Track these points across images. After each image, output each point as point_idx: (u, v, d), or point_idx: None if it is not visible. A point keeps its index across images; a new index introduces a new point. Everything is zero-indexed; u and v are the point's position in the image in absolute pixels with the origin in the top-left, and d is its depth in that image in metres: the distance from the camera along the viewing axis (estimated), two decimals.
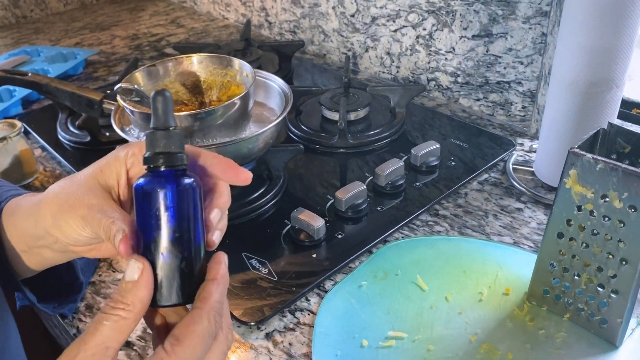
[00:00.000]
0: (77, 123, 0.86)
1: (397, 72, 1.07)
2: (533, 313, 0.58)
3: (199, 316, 0.37)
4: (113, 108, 0.75)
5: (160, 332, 0.41)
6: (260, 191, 0.76)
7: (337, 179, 0.80)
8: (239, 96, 0.67)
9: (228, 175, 0.41)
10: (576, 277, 0.55)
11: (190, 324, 0.37)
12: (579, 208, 0.52)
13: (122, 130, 0.68)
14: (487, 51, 0.90)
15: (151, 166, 0.38)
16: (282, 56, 1.11)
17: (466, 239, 0.69)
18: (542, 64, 0.84)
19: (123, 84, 0.57)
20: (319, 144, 0.87)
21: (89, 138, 0.88)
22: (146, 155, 0.38)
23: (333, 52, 1.18)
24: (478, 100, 0.95)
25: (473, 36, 0.91)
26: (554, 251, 0.56)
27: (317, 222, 0.67)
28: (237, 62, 0.75)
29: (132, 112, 0.65)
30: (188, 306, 0.39)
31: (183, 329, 0.36)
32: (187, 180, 0.38)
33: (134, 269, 0.36)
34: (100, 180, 0.42)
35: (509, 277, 0.63)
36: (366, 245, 0.67)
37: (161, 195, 0.37)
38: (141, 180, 0.38)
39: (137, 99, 0.60)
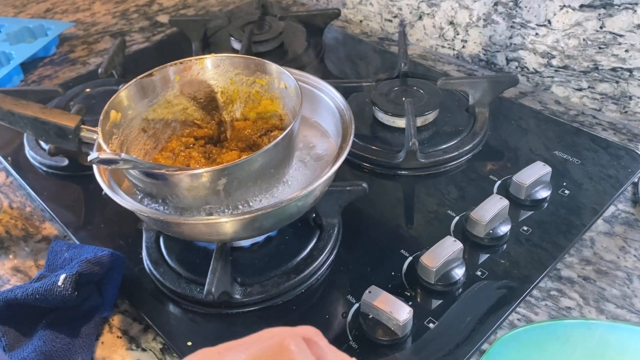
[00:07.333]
0: (48, 146, 0.63)
1: (463, 47, 0.82)
2: None
3: None
4: (95, 138, 0.51)
5: None
6: (309, 247, 0.54)
7: (410, 220, 0.59)
8: (280, 136, 0.44)
9: None
10: None
11: None
12: None
13: (113, 189, 0.45)
14: (601, 27, 0.66)
15: None
16: (311, 29, 0.86)
17: (611, 325, 0.48)
18: None
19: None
20: (377, 164, 0.64)
21: (66, 162, 0.66)
22: None
23: (373, 19, 0.93)
24: (580, 90, 0.72)
25: (581, 6, 0.67)
26: None
27: (403, 314, 0.46)
28: (274, 68, 0.52)
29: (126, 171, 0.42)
30: None
31: None
32: None
33: None
34: None
35: None
36: (475, 344, 0.47)
37: None
38: None
39: (126, 166, 0.37)
